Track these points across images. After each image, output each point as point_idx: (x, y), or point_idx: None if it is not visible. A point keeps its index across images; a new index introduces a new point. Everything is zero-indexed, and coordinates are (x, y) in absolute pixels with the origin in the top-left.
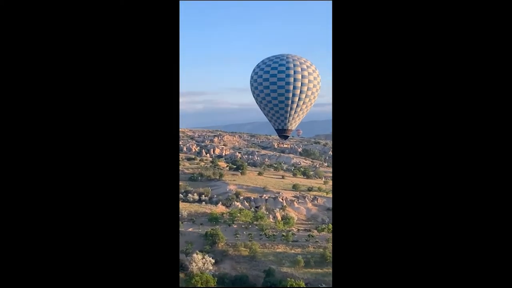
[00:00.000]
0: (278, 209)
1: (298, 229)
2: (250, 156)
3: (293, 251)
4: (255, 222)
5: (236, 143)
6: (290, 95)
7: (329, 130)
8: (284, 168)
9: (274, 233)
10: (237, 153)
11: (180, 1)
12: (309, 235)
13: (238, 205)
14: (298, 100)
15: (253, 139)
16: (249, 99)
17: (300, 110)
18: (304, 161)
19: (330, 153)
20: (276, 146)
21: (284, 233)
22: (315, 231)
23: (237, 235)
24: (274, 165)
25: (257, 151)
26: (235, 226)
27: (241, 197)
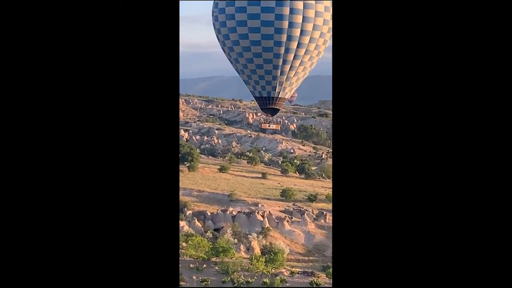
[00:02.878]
0: (255, 235)
1: (292, 272)
2: (206, 138)
3: None
4: (213, 259)
5: (181, 114)
6: (282, 50)
7: None
8: (266, 159)
9: (249, 279)
10: (182, 131)
11: (180, 1)
12: (311, 283)
13: (183, 227)
14: (294, 58)
15: (210, 106)
16: (205, 36)
17: (300, 67)
18: (301, 147)
19: None
20: (251, 121)
21: (266, 279)
22: (323, 274)
23: (181, 282)
24: (248, 153)
25: (217, 129)
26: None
27: (189, 212)
